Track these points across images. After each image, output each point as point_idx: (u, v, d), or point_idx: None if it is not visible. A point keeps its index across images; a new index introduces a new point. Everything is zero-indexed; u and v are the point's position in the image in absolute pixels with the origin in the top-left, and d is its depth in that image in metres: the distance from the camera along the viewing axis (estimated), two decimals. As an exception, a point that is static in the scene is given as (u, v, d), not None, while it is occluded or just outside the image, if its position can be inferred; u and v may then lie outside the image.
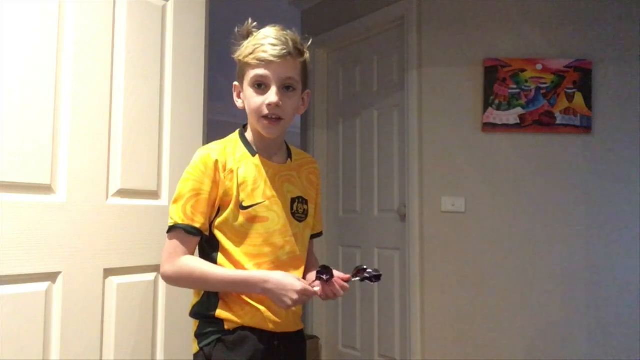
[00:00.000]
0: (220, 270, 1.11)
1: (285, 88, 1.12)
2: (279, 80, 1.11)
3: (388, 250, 2.85)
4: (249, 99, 1.14)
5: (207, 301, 1.14)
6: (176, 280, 1.14)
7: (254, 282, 1.08)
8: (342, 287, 1.12)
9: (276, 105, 1.10)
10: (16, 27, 1.29)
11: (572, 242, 2.42)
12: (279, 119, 1.13)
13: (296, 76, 1.14)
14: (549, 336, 2.40)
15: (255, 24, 1.16)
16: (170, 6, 1.67)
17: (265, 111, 1.11)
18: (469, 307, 2.49)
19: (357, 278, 1.15)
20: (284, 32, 1.14)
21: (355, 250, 3.06)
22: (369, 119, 3.03)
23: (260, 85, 1.12)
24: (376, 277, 1.14)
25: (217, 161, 1.12)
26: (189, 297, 1.22)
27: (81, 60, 1.41)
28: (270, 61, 1.10)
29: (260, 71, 1.11)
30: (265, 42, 1.10)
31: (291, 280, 1.07)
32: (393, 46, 2.88)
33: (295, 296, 1.04)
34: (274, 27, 1.15)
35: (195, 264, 1.12)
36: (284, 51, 1.10)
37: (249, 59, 1.11)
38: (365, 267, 1.16)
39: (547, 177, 2.46)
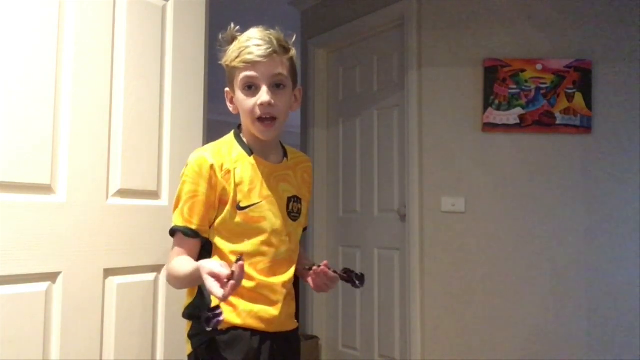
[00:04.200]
0: (186, 265, 1.07)
1: (275, 86, 1.12)
2: (268, 79, 1.11)
3: (388, 250, 2.85)
4: (241, 103, 1.14)
5: (200, 302, 1.14)
6: (168, 279, 1.17)
7: (197, 275, 0.97)
8: (331, 279, 1.15)
9: (268, 104, 1.10)
10: (16, 27, 1.29)
11: (572, 241, 2.42)
12: (273, 118, 1.13)
13: (285, 72, 1.13)
14: (548, 336, 2.40)
15: (238, 27, 1.16)
16: (170, 6, 1.67)
17: (259, 112, 1.11)
18: (469, 307, 2.49)
19: (342, 275, 1.15)
20: (267, 32, 1.14)
21: (355, 250, 3.06)
22: (369, 119, 3.03)
23: (251, 87, 1.12)
24: (359, 280, 1.13)
25: (212, 164, 1.11)
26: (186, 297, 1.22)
27: (81, 60, 1.41)
28: (257, 61, 1.09)
29: (249, 73, 1.10)
30: (249, 44, 1.10)
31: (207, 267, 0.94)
32: (393, 46, 2.88)
33: (209, 282, 0.91)
34: (257, 27, 1.15)
35: (176, 262, 1.11)
36: (269, 49, 1.10)
37: (236, 63, 1.11)
38: (352, 270, 1.16)
39: (547, 177, 2.46)
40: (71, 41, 1.40)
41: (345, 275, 1.15)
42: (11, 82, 1.27)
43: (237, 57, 1.11)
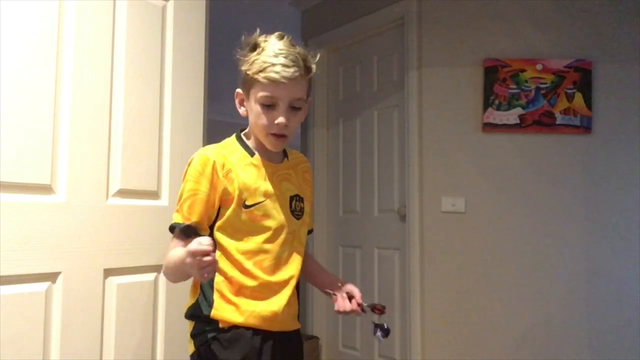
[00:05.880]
0: (177, 253, 1.04)
1: (292, 107, 1.13)
2: (288, 101, 1.12)
3: (388, 250, 2.85)
4: (256, 115, 1.14)
5: (203, 303, 1.15)
6: (164, 272, 1.18)
7: (183, 262, 0.95)
8: (356, 311, 1.24)
9: (285, 125, 1.12)
10: (16, 27, 1.29)
11: (572, 241, 2.42)
12: (284, 135, 1.15)
13: (304, 95, 1.15)
14: (548, 336, 2.40)
15: (264, 35, 1.13)
16: (170, 6, 1.67)
17: (274, 130, 1.13)
18: (469, 307, 2.49)
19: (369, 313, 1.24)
20: (295, 49, 1.12)
21: (355, 250, 3.06)
22: (369, 119, 3.03)
23: (269, 105, 1.12)
24: (385, 332, 1.24)
25: (214, 162, 1.13)
26: (187, 298, 1.22)
27: (81, 60, 1.41)
28: (281, 82, 1.08)
29: (270, 93, 1.10)
30: (276, 62, 1.08)
31: (189, 248, 0.92)
32: (393, 46, 2.88)
33: (189, 260, 0.91)
34: (282, 39, 1.12)
35: (171, 252, 1.10)
36: (297, 73, 1.09)
37: (259, 77, 1.09)
38: (383, 324, 1.25)
39: (547, 177, 2.46)
40: (71, 41, 1.40)
41: (375, 327, 1.25)
42: (11, 82, 1.27)
43: (260, 71, 1.09)
